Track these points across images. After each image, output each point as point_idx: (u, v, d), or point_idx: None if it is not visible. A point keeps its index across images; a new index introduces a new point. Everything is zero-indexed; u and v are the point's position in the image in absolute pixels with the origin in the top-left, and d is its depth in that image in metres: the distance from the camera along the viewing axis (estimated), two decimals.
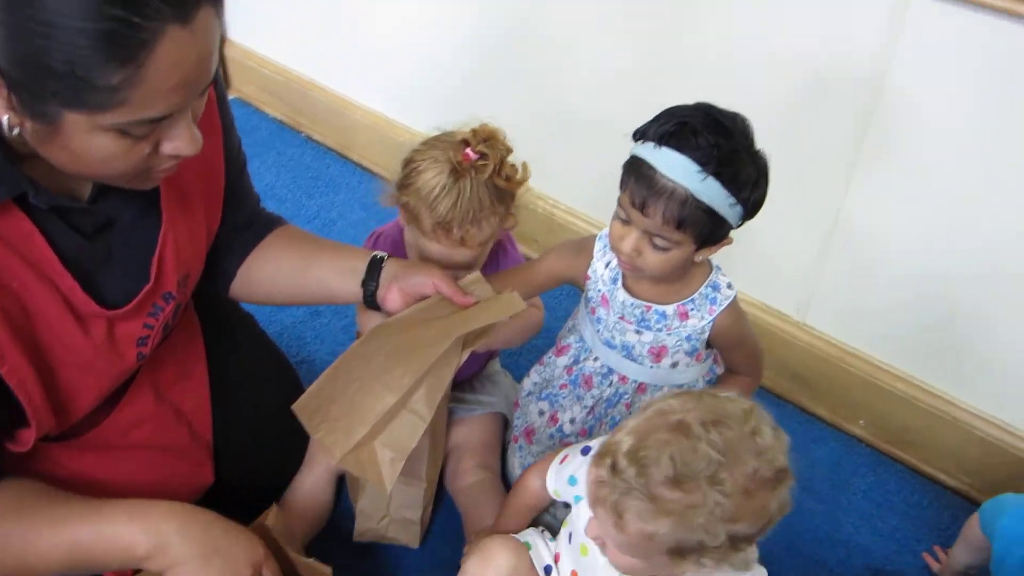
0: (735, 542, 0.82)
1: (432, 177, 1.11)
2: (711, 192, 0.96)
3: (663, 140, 0.96)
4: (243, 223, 1.18)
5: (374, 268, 1.12)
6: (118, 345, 0.96)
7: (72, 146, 0.78)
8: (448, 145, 1.12)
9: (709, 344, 1.15)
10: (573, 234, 1.68)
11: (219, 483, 1.18)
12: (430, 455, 1.23)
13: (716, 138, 0.95)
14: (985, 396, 1.40)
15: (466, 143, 1.11)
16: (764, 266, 1.55)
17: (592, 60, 1.58)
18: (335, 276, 1.15)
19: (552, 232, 1.74)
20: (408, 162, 1.15)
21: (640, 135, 1.00)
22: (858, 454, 1.53)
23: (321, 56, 2.11)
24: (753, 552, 0.90)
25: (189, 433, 1.15)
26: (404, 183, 1.14)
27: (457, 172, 1.10)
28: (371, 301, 1.12)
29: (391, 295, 1.09)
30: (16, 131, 0.77)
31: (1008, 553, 1.07)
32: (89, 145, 0.78)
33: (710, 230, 0.99)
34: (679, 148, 0.95)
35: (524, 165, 1.16)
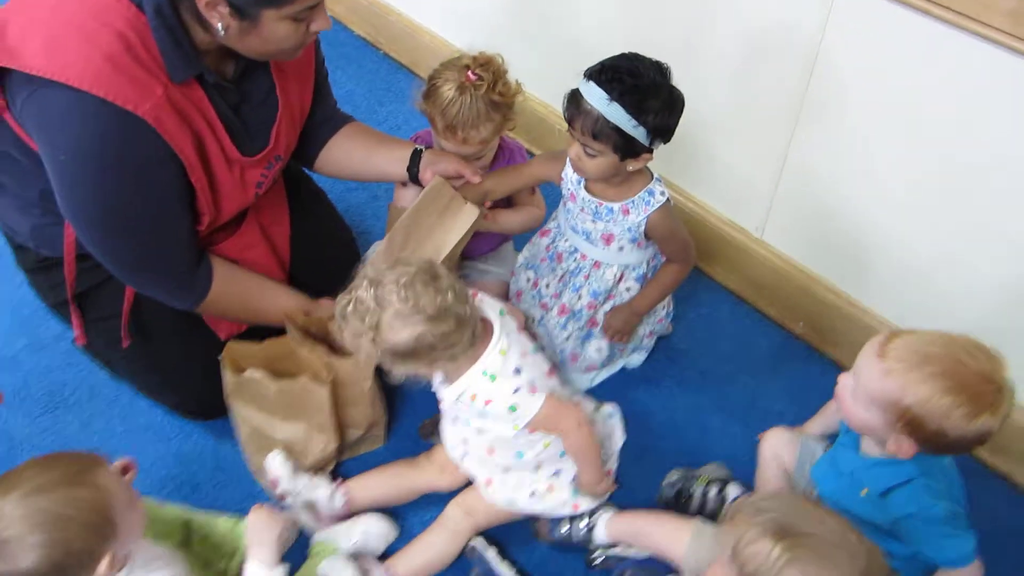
0: (399, 355, 1.22)
1: (444, 91, 1.50)
2: (616, 115, 1.33)
3: (589, 76, 1.35)
4: (324, 118, 1.62)
5: (415, 157, 1.57)
6: (245, 183, 1.43)
7: (264, 34, 1.25)
8: (457, 67, 1.52)
9: (648, 236, 1.53)
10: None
11: None
12: None
13: (626, 76, 1.32)
14: (895, 308, 1.74)
15: (468, 67, 1.50)
16: (731, 191, 1.91)
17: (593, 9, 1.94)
18: (389, 162, 1.61)
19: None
20: (430, 78, 1.55)
21: (584, 75, 1.38)
22: (794, 347, 1.89)
23: None
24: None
25: (277, 262, 1.60)
26: (426, 95, 1.55)
27: (462, 88, 1.49)
28: (415, 179, 1.57)
29: (426, 175, 1.54)
30: (222, 33, 1.23)
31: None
32: (275, 31, 1.25)
33: (624, 143, 1.37)
34: (597, 82, 1.34)
35: (517, 82, 1.55)
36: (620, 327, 1.63)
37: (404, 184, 1.63)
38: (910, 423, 1.12)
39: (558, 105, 1.45)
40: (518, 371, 1.31)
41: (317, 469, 1.52)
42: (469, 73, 1.50)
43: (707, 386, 1.79)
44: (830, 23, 1.54)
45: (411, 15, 2.48)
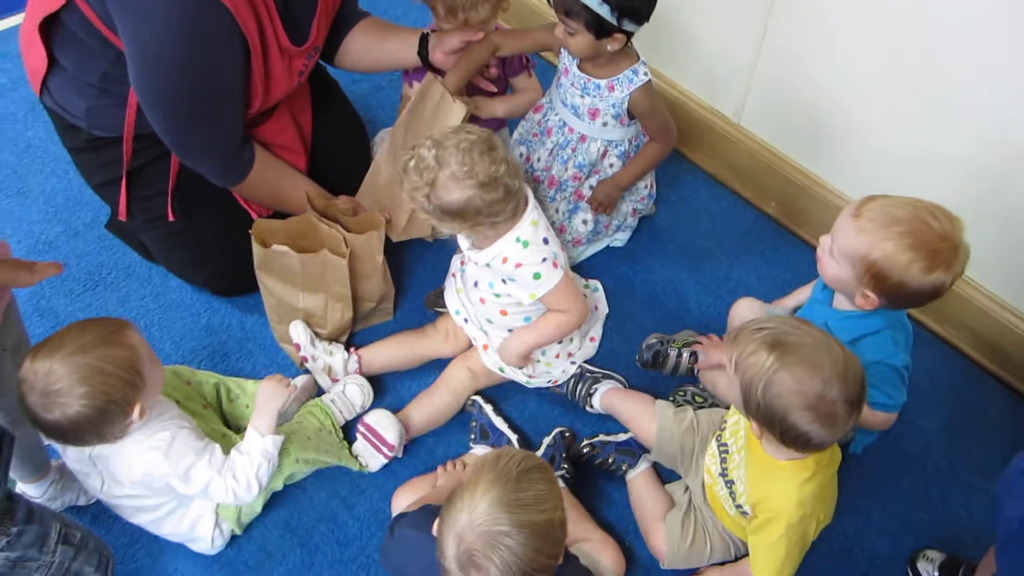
0: (447, 213, 1.37)
1: None
2: None
3: None
4: (345, 13, 1.75)
5: (423, 41, 1.71)
6: (292, 71, 1.58)
7: None
8: None
9: (631, 115, 1.67)
10: None
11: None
12: None
13: None
14: (859, 188, 1.89)
15: None
16: (711, 79, 2.03)
17: None
18: (401, 49, 1.74)
19: None
20: None
21: None
22: (765, 226, 2.06)
23: None
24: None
25: (303, 146, 1.76)
26: None
27: None
28: (425, 63, 1.72)
29: (435, 56, 1.70)
30: None
31: None
32: None
33: (595, 21, 1.50)
34: None
35: None
36: (603, 199, 1.79)
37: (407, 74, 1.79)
38: (875, 276, 1.28)
39: None
40: (546, 240, 1.48)
41: (334, 337, 1.70)
42: None
43: (685, 261, 1.97)
44: None
45: None
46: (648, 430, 1.54)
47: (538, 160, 1.80)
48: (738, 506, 1.39)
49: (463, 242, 1.54)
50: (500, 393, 1.72)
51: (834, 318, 1.44)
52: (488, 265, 1.50)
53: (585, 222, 1.83)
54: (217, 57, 1.41)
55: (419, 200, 1.38)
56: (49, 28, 1.49)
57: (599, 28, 1.52)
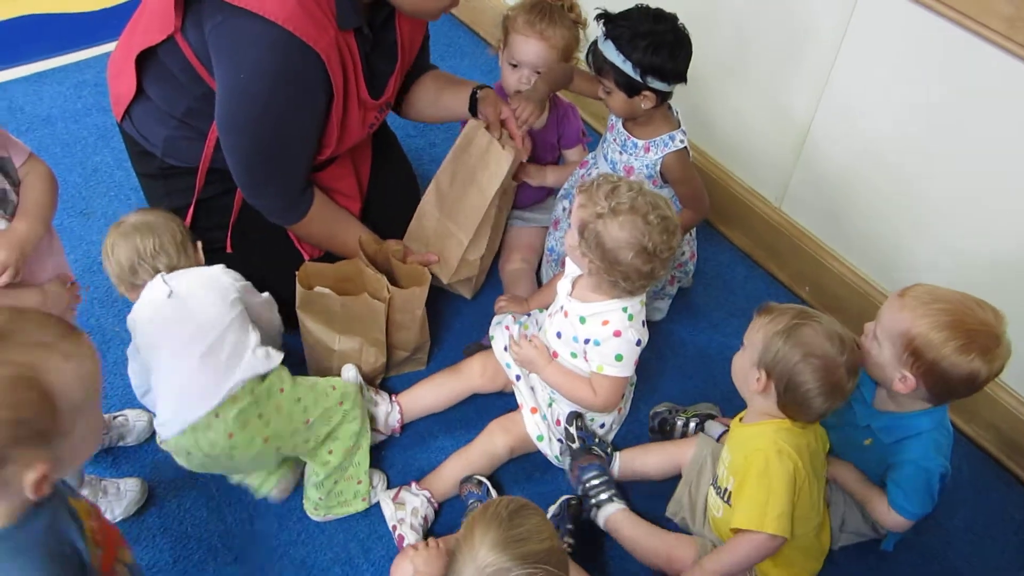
0: (595, 244, 1.42)
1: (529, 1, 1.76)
2: (607, 51, 1.58)
3: (606, 20, 1.59)
4: (418, 67, 1.84)
5: (473, 98, 1.79)
6: (365, 123, 1.66)
7: None
8: None
9: (663, 177, 1.72)
10: None
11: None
12: (489, 244, 1.87)
13: (620, 20, 1.56)
14: (894, 280, 1.91)
15: None
16: (755, 159, 2.08)
17: None
18: (455, 102, 1.83)
19: None
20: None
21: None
22: None
23: None
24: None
25: (359, 193, 1.83)
26: (508, 13, 1.78)
27: (543, 1, 1.76)
28: (475, 116, 1.80)
29: (486, 111, 1.76)
30: None
31: None
32: None
33: (624, 80, 1.58)
34: (605, 28, 1.58)
35: (585, 17, 1.78)
36: None
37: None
38: (913, 353, 1.32)
39: None
40: (644, 324, 1.54)
41: (367, 381, 1.75)
42: None
43: (716, 338, 1.99)
44: (854, 17, 1.70)
45: None
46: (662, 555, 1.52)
47: None
48: (725, 490, 1.42)
49: (563, 287, 1.58)
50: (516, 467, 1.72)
51: (877, 418, 1.46)
52: (582, 319, 1.54)
53: None
54: (302, 100, 1.50)
55: (583, 213, 1.44)
56: (143, 60, 1.58)
57: (629, 86, 1.60)
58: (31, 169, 1.35)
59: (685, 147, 1.69)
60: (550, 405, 1.65)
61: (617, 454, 1.64)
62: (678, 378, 1.91)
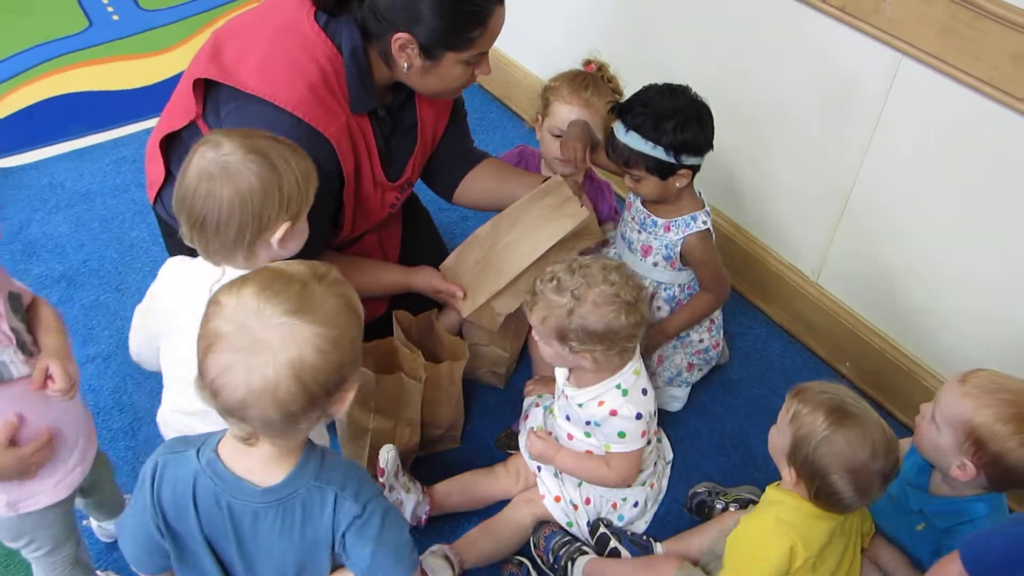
0: (587, 334, 1.39)
1: (568, 72, 1.79)
2: (633, 141, 1.56)
3: (621, 112, 1.58)
4: (464, 151, 1.85)
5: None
6: (383, 204, 1.67)
7: (441, 73, 1.51)
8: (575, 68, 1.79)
9: (683, 259, 1.69)
10: None
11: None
12: (515, 332, 1.84)
13: (637, 107, 1.55)
14: (936, 356, 1.87)
15: (588, 62, 1.79)
16: (790, 233, 2.06)
17: (687, 54, 2.11)
18: (520, 189, 1.78)
19: None
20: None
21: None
22: None
23: None
24: (630, 361, 1.47)
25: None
26: (549, 84, 1.80)
27: (584, 72, 1.77)
28: None
29: None
30: (406, 70, 1.49)
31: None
32: (451, 72, 1.51)
33: (656, 164, 1.57)
34: (617, 117, 1.58)
35: (623, 89, 1.79)
36: (647, 343, 1.77)
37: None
38: (975, 443, 1.28)
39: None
40: (645, 392, 1.51)
41: (400, 460, 1.71)
42: (589, 65, 1.77)
43: (755, 414, 1.94)
44: (894, 89, 1.69)
45: (506, 51, 2.69)
46: None
47: None
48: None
49: (560, 375, 1.56)
50: None
51: (930, 503, 1.41)
52: (581, 405, 1.51)
53: None
54: (319, 183, 1.50)
55: (553, 321, 1.41)
56: (170, 144, 1.61)
57: (662, 170, 1.58)
58: (40, 309, 1.25)
59: (708, 228, 1.67)
60: (579, 485, 1.62)
61: (659, 545, 1.59)
62: (716, 456, 1.86)
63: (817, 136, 1.89)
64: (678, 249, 1.69)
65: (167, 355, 1.34)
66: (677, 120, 1.55)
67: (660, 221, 1.69)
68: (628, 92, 1.75)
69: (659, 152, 1.56)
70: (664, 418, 1.90)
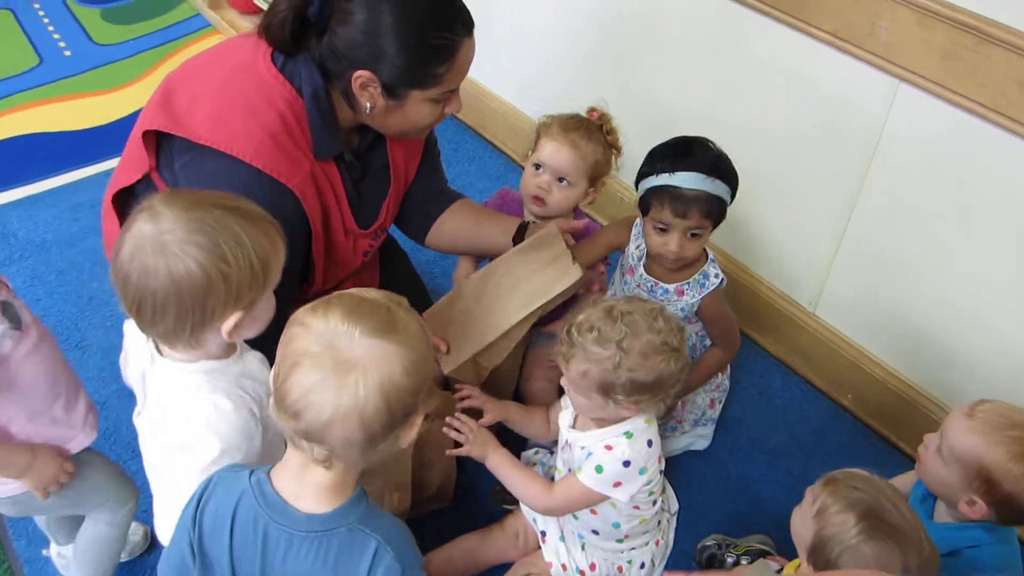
0: (636, 387, 1.27)
1: (568, 113, 1.67)
2: (717, 188, 1.48)
3: (675, 168, 1.48)
4: (437, 191, 1.75)
5: (521, 229, 1.68)
6: (356, 252, 1.56)
7: (407, 113, 1.40)
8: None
9: (698, 316, 1.62)
10: None
11: None
12: (503, 381, 1.75)
13: (698, 152, 1.48)
14: (939, 386, 1.81)
15: (592, 109, 1.68)
16: (787, 266, 1.99)
17: (672, 84, 2.04)
18: (497, 234, 1.70)
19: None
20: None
21: (648, 174, 1.51)
22: (842, 420, 1.96)
23: None
24: (657, 407, 1.35)
25: None
26: (544, 120, 1.69)
27: (583, 116, 1.67)
28: None
29: None
30: (368, 111, 1.38)
31: None
32: (417, 110, 1.40)
33: (720, 213, 1.51)
34: (688, 168, 1.47)
35: (620, 145, 1.70)
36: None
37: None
38: (986, 481, 1.20)
39: (630, 182, 1.57)
40: (650, 443, 1.39)
41: None
42: (592, 112, 1.68)
43: (758, 456, 1.87)
44: (892, 115, 1.63)
45: (480, 79, 2.61)
46: None
47: None
48: None
49: (564, 421, 1.46)
50: None
51: (933, 530, 1.30)
52: (584, 448, 1.41)
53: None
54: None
55: (596, 375, 1.28)
56: (125, 200, 1.49)
57: (719, 218, 1.51)
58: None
59: (722, 281, 1.59)
60: (583, 548, 1.52)
61: None
62: (723, 502, 1.78)
63: (813, 165, 1.82)
64: (694, 310, 1.61)
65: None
66: (726, 159, 1.50)
67: (671, 287, 1.60)
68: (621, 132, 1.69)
69: (728, 196, 1.50)
70: (666, 465, 1.80)
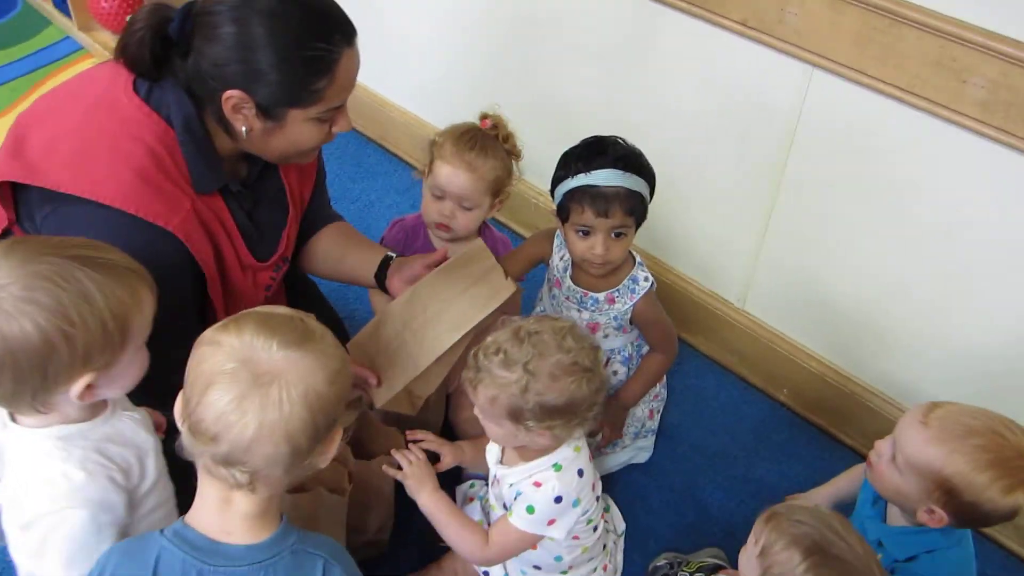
0: (546, 411, 1.19)
1: (460, 127, 1.57)
2: (636, 183, 1.41)
3: (590, 165, 1.40)
4: (315, 210, 1.60)
5: (384, 264, 1.54)
6: (257, 287, 1.43)
7: (288, 135, 1.26)
8: (469, 124, 1.58)
9: (632, 322, 1.54)
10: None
11: None
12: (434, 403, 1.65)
13: (610, 148, 1.41)
14: (876, 375, 1.78)
15: (484, 117, 1.57)
16: (712, 263, 1.94)
17: (571, 91, 1.96)
18: (359, 265, 1.58)
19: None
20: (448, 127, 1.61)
21: (563, 177, 1.43)
22: (779, 416, 1.92)
23: (365, 59, 2.49)
24: (574, 432, 1.25)
25: None
26: (436, 139, 1.58)
27: (476, 129, 1.56)
28: (381, 286, 1.56)
29: (393, 283, 1.52)
30: (245, 135, 1.24)
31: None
32: (300, 131, 1.26)
33: (642, 209, 1.43)
34: (603, 165, 1.39)
35: (520, 150, 1.61)
36: (611, 421, 1.62)
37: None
38: (947, 492, 1.15)
39: (533, 181, 1.49)
40: (581, 473, 1.29)
41: None
42: (486, 120, 1.56)
43: (700, 462, 1.80)
44: (807, 102, 1.59)
45: (379, 90, 2.48)
46: None
47: None
48: None
49: (492, 455, 1.36)
50: None
51: (888, 534, 1.30)
52: (512, 486, 1.31)
53: (592, 434, 1.66)
54: (168, 287, 1.24)
55: (504, 400, 1.19)
56: None
57: (641, 217, 1.44)
58: None
59: (652, 284, 1.52)
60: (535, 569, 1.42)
61: None
62: (669, 516, 1.70)
63: (731, 158, 1.77)
64: (628, 317, 1.52)
65: None
66: (640, 153, 1.44)
67: (600, 296, 1.52)
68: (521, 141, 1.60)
69: (647, 192, 1.42)
70: (608, 482, 1.73)
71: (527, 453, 1.30)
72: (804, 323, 1.86)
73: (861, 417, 1.80)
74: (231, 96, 1.19)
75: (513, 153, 1.58)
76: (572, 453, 1.30)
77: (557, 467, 1.29)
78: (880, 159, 1.56)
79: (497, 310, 1.42)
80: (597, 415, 1.25)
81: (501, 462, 1.36)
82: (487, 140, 1.55)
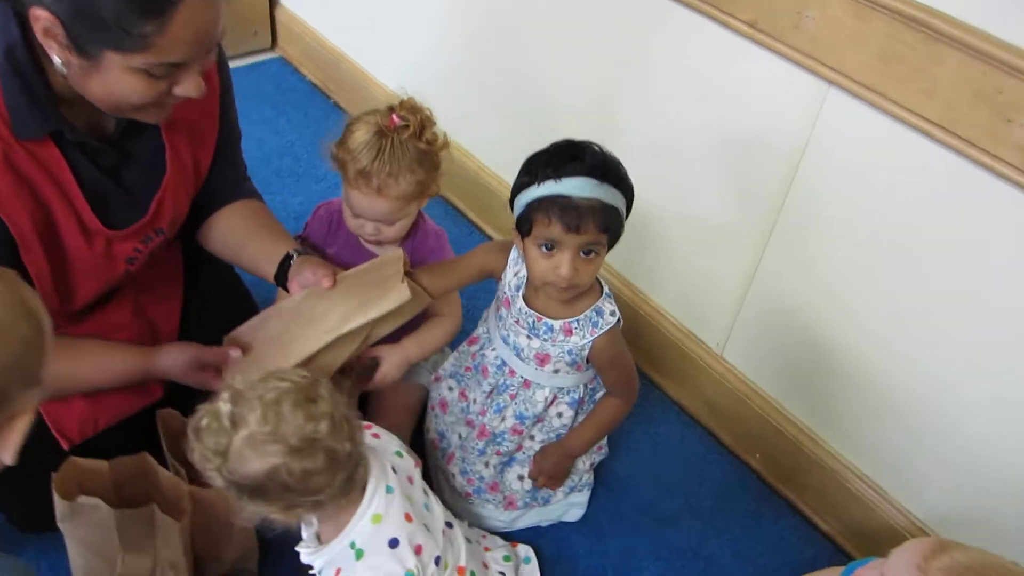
0: (245, 491, 0.98)
1: (361, 135, 1.29)
2: (613, 196, 1.15)
3: (561, 173, 1.13)
4: (218, 187, 1.38)
5: (285, 263, 1.32)
6: (112, 259, 1.21)
7: (107, 81, 1.01)
8: (380, 112, 1.31)
9: (589, 360, 1.30)
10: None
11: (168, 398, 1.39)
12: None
13: (587, 156, 1.14)
14: (864, 455, 1.52)
15: (392, 110, 1.30)
16: (694, 300, 1.69)
17: (557, 83, 1.73)
18: (260, 259, 1.36)
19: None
20: (347, 124, 1.34)
21: (528, 184, 1.16)
22: (746, 483, 1.67)
23: (353, 31, 2.28)
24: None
25: (157, 340, 1.35)
26: (340, 142, 1.33)
27: (382, 132, 1.28)
28: (282, 285, 1.34)
29: (293, 285, 1.30)
30: (63, 69, 1.00)
31: None
32: (121, 81, 1.01)
33: (617, 227, 1.17)
34: (576, 173, 1.13)
35: (445, 135, 1.34)
36: (552, 470, 1.39)
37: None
38: None
39: (510, 179, 1.24)
40: (394, 543, 1.07)
41: None
42: (393, 116, 1.29)
43: (644, 526, 1.56)
44: (818, 127, 1.35)
45: (364, 64, 2.27)
46: None
47: (475, 402, 1.41)
48: None
49: (305, 532, 1.14)
50: None
51: None
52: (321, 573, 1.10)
53: (521, 478, 1.43)
54: None
55: (210, 473, 0.98)
56: None
57: (616, 234, 1.18)
58: None
59: (617, 320, 1.26)
60: None
61: None
62: None
63: (723, 178, 1.53)
64: (585, 353, 1.27)
65: None
66: (619, 162, 1.18)
67: (556, 324, 1.26)
68: (472, 126, 1.35)
69: (623, 206, 1.17)
70: (533, 535, 1.49)
71: (326, 532, 1.08)
72: (785, 380, 1.61)
73: (840, 500, 1.55)
74: (40, 17, 0.96)
75: (433, 150, 1.32)
76: (371, 526, 1.07)
77: (359, 554, 1.07)
78: (896, 204, 1.31)
79: (393, 317, 1.22)
80: (325, 494, 1.02)
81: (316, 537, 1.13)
82: (395, 152, 1.28)
